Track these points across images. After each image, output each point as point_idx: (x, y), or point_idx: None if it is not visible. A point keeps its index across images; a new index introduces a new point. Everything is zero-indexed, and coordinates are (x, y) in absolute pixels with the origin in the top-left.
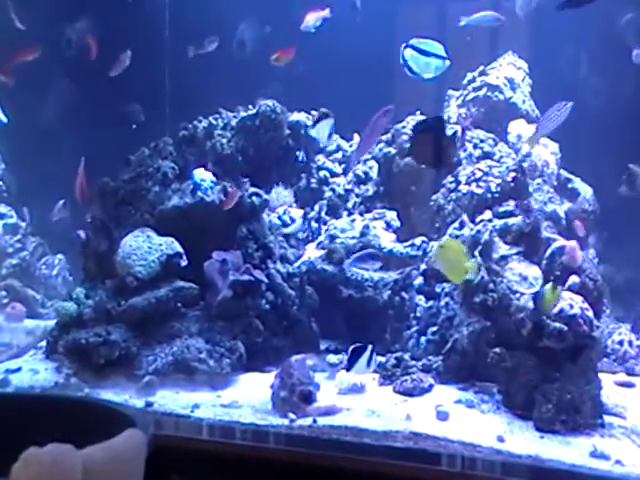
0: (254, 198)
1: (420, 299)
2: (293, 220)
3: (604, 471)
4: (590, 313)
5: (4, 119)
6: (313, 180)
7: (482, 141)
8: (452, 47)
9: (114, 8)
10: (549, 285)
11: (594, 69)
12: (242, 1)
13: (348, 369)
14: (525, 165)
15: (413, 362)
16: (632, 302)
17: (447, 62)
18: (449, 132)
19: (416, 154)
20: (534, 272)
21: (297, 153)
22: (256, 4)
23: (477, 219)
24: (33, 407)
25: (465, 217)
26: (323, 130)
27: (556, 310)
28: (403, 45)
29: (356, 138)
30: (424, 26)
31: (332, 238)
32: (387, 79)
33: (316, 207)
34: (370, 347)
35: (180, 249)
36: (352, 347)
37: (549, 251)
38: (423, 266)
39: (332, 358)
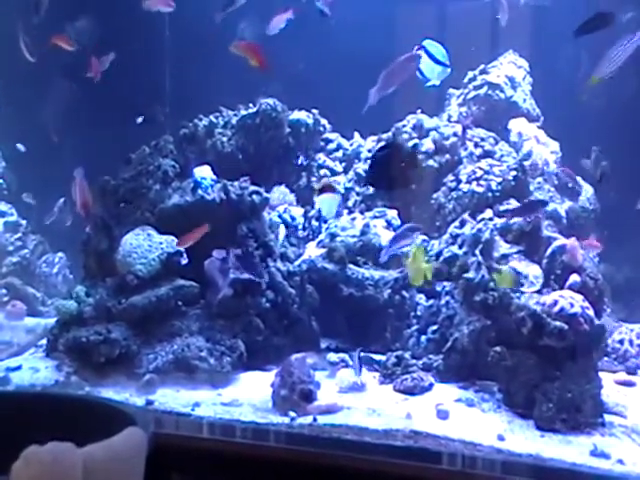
0: (254, 196)
1: (420, 298)
2: (294, 218)
3: (605, 470)
4: (591, 312)
5: (22, 148)
6: (314, 179)
7: (483, 140)
8: (452, 46)
9: (114, 8)
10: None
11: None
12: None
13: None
14: (526, 164)
15: (413, 361)
16: (632, 301)
17: (448, 70)
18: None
19: (373, 182)
20: (535, 271)
21: (297, 154)
22: (256, 3)
23: (478, 218)
24: (33, 405)
25: (467, 215)
26: (330, 206)
27: (557, 309)
28: (416, 47)
29: (356, 136)
30: (424, 25)
31: (332, 236)
32: None
33: (316, 205)
34: (358, 350)
35: (180, 247)
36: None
37: (550, 250)
38: None
39: (332, 357)
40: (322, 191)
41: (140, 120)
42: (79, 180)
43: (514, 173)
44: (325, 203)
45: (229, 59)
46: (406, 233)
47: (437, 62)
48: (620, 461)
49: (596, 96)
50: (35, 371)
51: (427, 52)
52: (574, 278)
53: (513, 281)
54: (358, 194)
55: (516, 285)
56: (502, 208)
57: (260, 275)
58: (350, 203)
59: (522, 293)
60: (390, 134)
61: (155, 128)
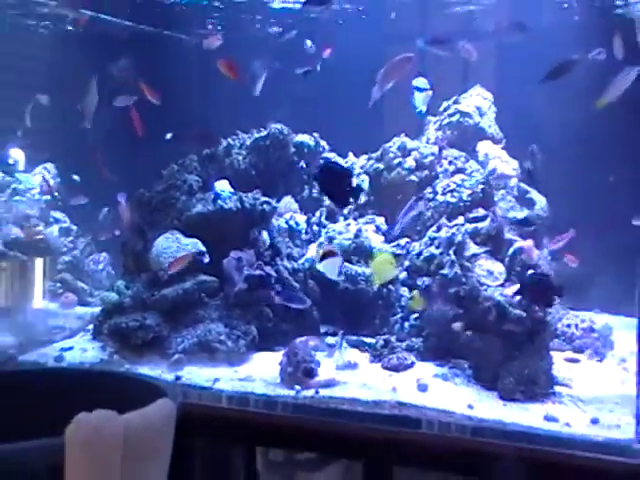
0: (265, 206)
1: (404, 291)
2: (298, 224)
3: (555, 431)
4: None
5: (77, 178)
6: (314, 190)
7: (456, 158)
8: (431, 81)
9: (150, 50)
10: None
11: (547, 99)
12: (255, 43)
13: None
14: (491, 179)
15: (398, 343)
16: (577, 292)
17: (430, 92)
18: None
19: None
20: (499, 268)
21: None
22: (267, 46)
23: (452, 223)
24: (83, 380)
25: (444, 219)
26: (333, 269)
27: (516, 299)
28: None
29: (350, 156)
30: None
31: (330, 239)
32: (377, 106)
33: (317, 213)
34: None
35: (203, 248)
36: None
37: (511, 250)
38: (406, 263)
39: (330, 340)
40: (324, 257)
41: (169, 137)
42: (123, 203)
43: (482, 186)
44: (328, 268)
45: (243, 91)
46: (412, 205)
47: (420, 90)
48: (567, 424)
49: (549, 122)
50: (84, 351)
51: (415, 87)
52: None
53: (421, 303)
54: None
55: (423, 306)
56: (471, 215)
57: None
58: (345, 211)
59: (488, 286)
60: (379, 153)
61: (167, 148)
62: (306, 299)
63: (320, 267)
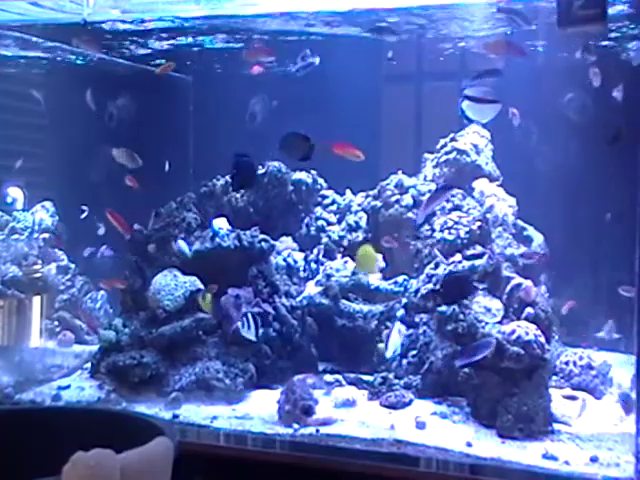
0: (263, 243)
1: (402, 328)
2: (296, 262)
3: (553, 470)
4: (542, 339)
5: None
6: (312, 228)
7: (453, 196)
8: (428, 120)
9: (147, 88)
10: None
11: (543, 138)
12: (252, 80)
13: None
14: (488, 216)
15: (396, 380)
16: (576, 329)
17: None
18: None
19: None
20: (496, 305)
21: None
22: (264, 84)
23: (449, 260)
24: (80, 418)
25: (438, 254)
26: None
27: (514, 337)
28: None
29: (348, 193)
30: (404, 100)
31: (328, 277)
32: (375, 144)
33: (315, 251)
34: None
35: (201, 286)
36: None
37: (508, 287)
38: (404, 300)
39: (328, 377)
40: None
41: (167, 168)
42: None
43: (479, 223)
44: None
45: (240, 130)
46: (438, 194)
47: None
48: (566, 462)
49: (545, 161)
50: (81, 389)
51: (469, 98)
52: (528, 310)
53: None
54: (349, 241)
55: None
56: (469, 252)
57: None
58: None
59: (486, 323)
60: (376, 191)
61: (165, 186)
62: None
63: None
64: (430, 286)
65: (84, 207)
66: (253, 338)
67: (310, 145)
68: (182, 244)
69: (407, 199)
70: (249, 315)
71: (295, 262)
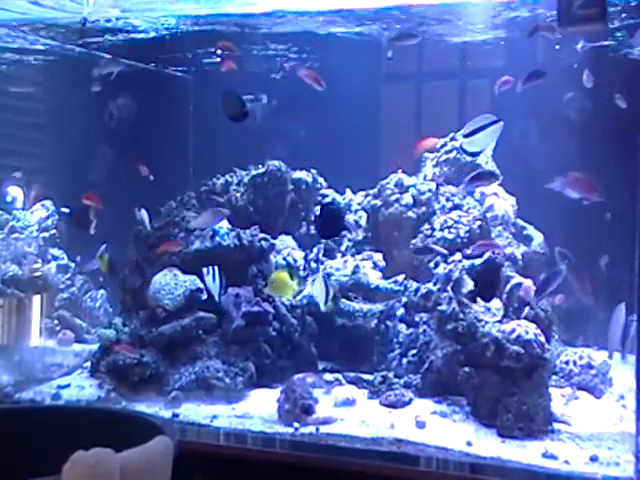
0: (263, 242)
1: (402, 327)
2: (295, 261)
3: (553, 469)
4: (542, 338)
5: (67, 211)
6: (312, 227)
7: (453, 195)
8: (428, 119)
9: (148, 88)
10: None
11: (542, 137)
12: (252, 80)
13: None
14: (488, 215)
15: (396, 380)
16: (575, 327)
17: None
18: None
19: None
20: (496, 304)
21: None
22: (264, 83)
23: (449, 260)
24: (80, 417)
25: (439, 255)
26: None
27: (514, 336)
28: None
29: (348, 192)
30: (404, 99)
31: (328, 276)
32: (375, 143)
33: (315, 250)
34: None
35: (201, 285)
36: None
37: (508, 287)
38: (404, 299)
39: (328, 376)
40: None
41: (152, 178)
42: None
43: (479, 223)
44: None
45: (241, 128)
46: (555, 276)
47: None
48: (566, 461)
49: (544, 160)
50: (81, 389)
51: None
52: (528, 310)
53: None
54: (350, 240)
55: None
56: (469, 251)
57: None
58: (343, 248)
59: (486, 322)
60: (376, 190)
61: (165, 184)
62: None
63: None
64: (430, 286)
65: (65, 210)
66: (216, 294)
67: (244, 111)
68: (144, 213)
69: (407, 198)
70: (215, 268)
71: (295, 261)
